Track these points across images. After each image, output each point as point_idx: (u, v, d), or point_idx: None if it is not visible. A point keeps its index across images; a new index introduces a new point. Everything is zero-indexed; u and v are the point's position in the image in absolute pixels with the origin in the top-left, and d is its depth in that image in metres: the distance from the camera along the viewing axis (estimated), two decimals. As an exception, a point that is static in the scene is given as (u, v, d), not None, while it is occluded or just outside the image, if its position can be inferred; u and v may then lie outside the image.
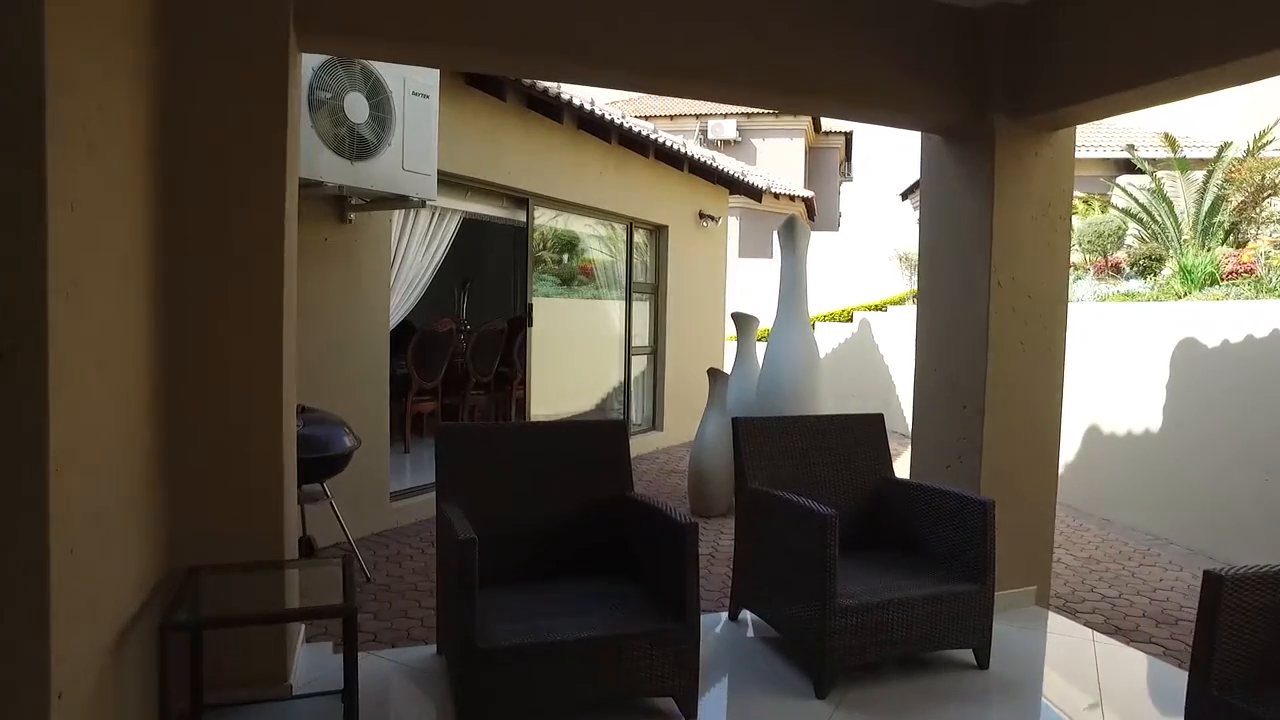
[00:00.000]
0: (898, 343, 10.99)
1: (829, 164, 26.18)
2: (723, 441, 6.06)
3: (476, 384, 8.09)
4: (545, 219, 7.43)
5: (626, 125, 7.36)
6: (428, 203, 4.86)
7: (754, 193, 10.35)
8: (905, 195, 23.12)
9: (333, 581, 2.61)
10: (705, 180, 9.51)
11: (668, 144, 8.13)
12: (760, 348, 7.22)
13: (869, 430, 3.98)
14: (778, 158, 22.88)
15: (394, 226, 5.68)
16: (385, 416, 5.41)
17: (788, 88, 3.63)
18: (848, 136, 26.70)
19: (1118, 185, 9.88)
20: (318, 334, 4.79)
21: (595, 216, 8.04)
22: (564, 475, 3.33)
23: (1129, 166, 16.34)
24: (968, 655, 3.34)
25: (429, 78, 4.68)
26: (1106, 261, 9.14)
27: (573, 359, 8.21)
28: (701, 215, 9.58)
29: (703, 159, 8.95)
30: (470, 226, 7.52)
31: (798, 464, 3.77)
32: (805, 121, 23.79)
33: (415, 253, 5.98)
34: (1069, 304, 4.07)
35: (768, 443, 3.75)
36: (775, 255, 16.69)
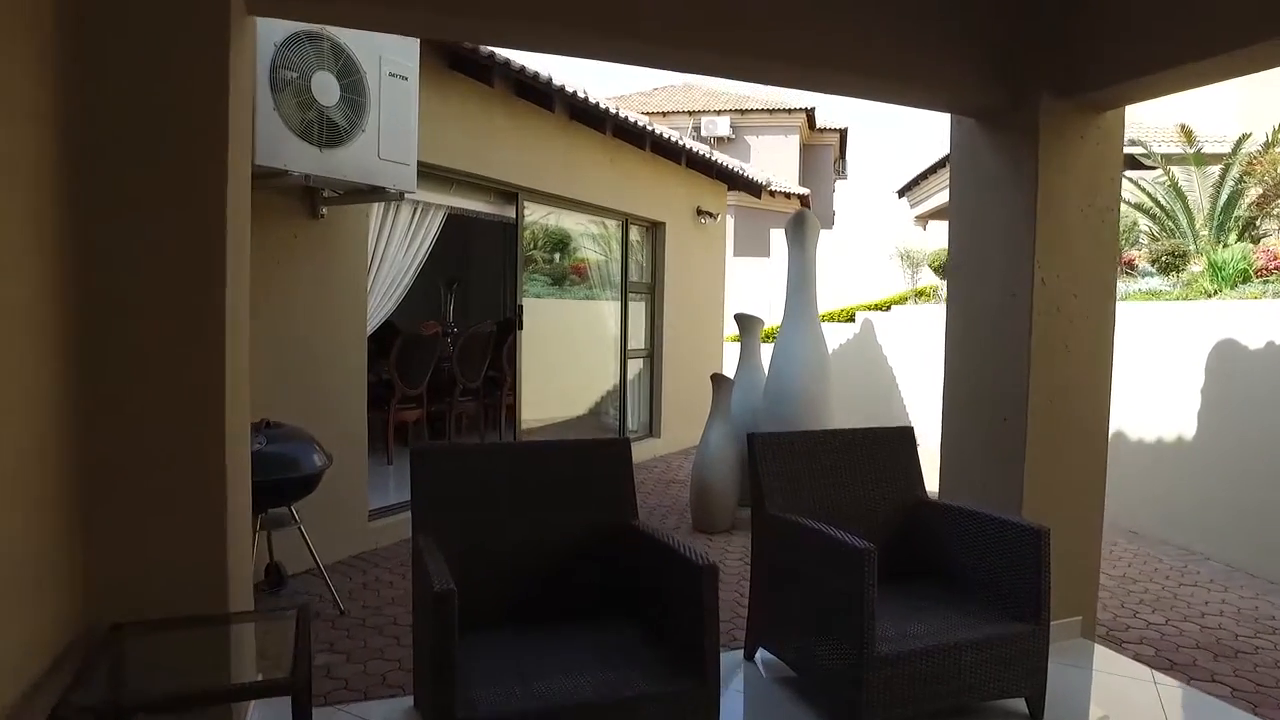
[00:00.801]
0: (901, 343, 10.61)
1: (824, 161, 25.82)
2: (728, 452, 5.66)
3: (464, 390, 7.67)
4: (536, 215, 7.01)
5: (622, 115, 6.95)
6: (407, 196, 4.43)
7: (754, 188, 9.95)
8: (902, 193, 22.78)
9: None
10: (703, 175, 9.10)
11: (665, 136, 7.72)
12: (765, 350, 6.82)
13: (898, 445, 3.58)
14: (772, 155, 22.51)
15: (372, 222, 5.25)
16: (363, 428, 4.99)
17: (803, 63, 3.22)
18: (842, 134, 26.35)
19: (1129, 179, 9.52)
20: (287, 340, 4.36)
21: (589, 213, 7.62)
22: (558, 503, 2.92)
23: (1131, 162, 16.03)
24: (1018, 704, 2.94)
25: (407, 58, 4.26)
26: (1120, 258, 8.77)
27: (565, 363, 7.79)
28: (699, 212, 9.18)
29: (702, 152, 8.54)
30: (457, 223, 7.10)
31: (821, 484, 3.37)
32: (800, 118, 23.43)
33: (396, 251, 5.55)
34: (1116, 303, 3.68)
35: (787, 461, 3.35)
36: (772, 254, 16.34)
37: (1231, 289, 5.99)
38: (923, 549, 3.35)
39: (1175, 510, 5.60)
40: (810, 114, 23.38)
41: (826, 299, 12.85)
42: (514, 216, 6.48)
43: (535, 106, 6.27)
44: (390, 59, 4.13)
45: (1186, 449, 5.58)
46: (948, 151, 3.91)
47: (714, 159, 8.85)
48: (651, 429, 8.73)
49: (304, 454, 3.77)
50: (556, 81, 6.12)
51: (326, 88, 3.79)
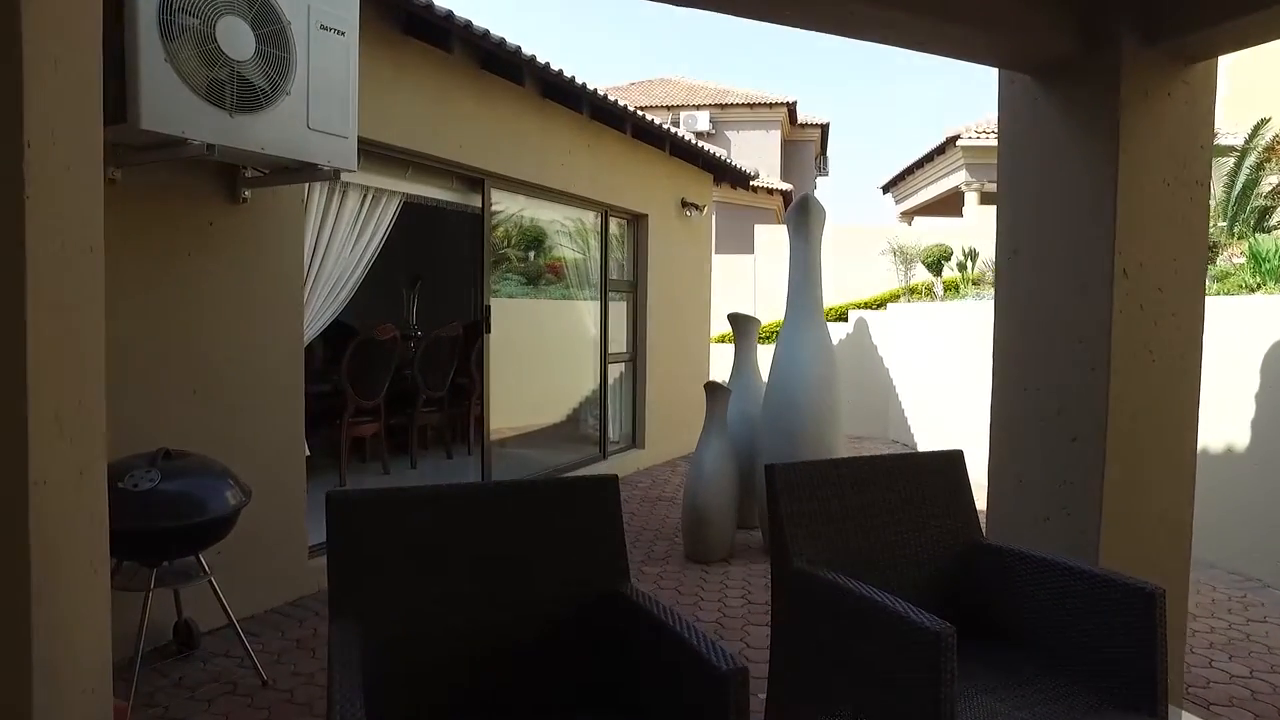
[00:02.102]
0: (897, 343, 10.00)
1: (805, 157, 25.28)
2: (725, 471, 4.99)
3: (428, 400, 6.94)
4: (505, 205, 6.29)
5: (601, 94, 6.25)
6: (344, 175, 3.70)
7: (741, 179, 9.30)
8: (887, 189, 22.32)
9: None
10: (689, 165, 8.43)
11: (648, 119, 7.03)
12: (762, 353, 6.16)
13: (946, 474, 2.92)
14: (753, 150, 21.89)
15: (313, 209, 4.52)
16: (300, 450, 4.25)
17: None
18: (823, 129, 25.83)
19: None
20: (200, 350, 3.62)
21: (564, 202, 6.91)
22: (525, 564, 2.22)
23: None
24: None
25: (343, 8, 3.54)
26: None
27: (539, 369, 7.08)
28: (684, 204, 8.51)
29: (687, 137, 7.87)
30: (419, 215, 6.36)
31: (857, 528, 2.70)
32: (781, 113, 22.86)
33: (341, 244, 4.82)
34: (1204, 298, 3.04)
35: (816, 498, 2.67)
36: (755, 250, 15.70)
37: (1276, 283, 5.42)
38: (982, 605, 2.69)
39: (1226, 530, 5.00)
40: (792, 108, 22.82)
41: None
42: (479, 206, 5.76)
43: (503, 81, 5.56)
44: (321, 8, 3.41)
45: (1237, 461, 4.98)
46: (996, 116, 3.26)
47: (700, 147, 8.18)
48: (635, 439, 8.04)
49: (212, 491, 3.04)
50: (526, 51, 5.41)
51: (237, 38, 3.06)
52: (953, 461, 2.95)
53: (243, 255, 3.80)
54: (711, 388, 5.04)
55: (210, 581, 3.11)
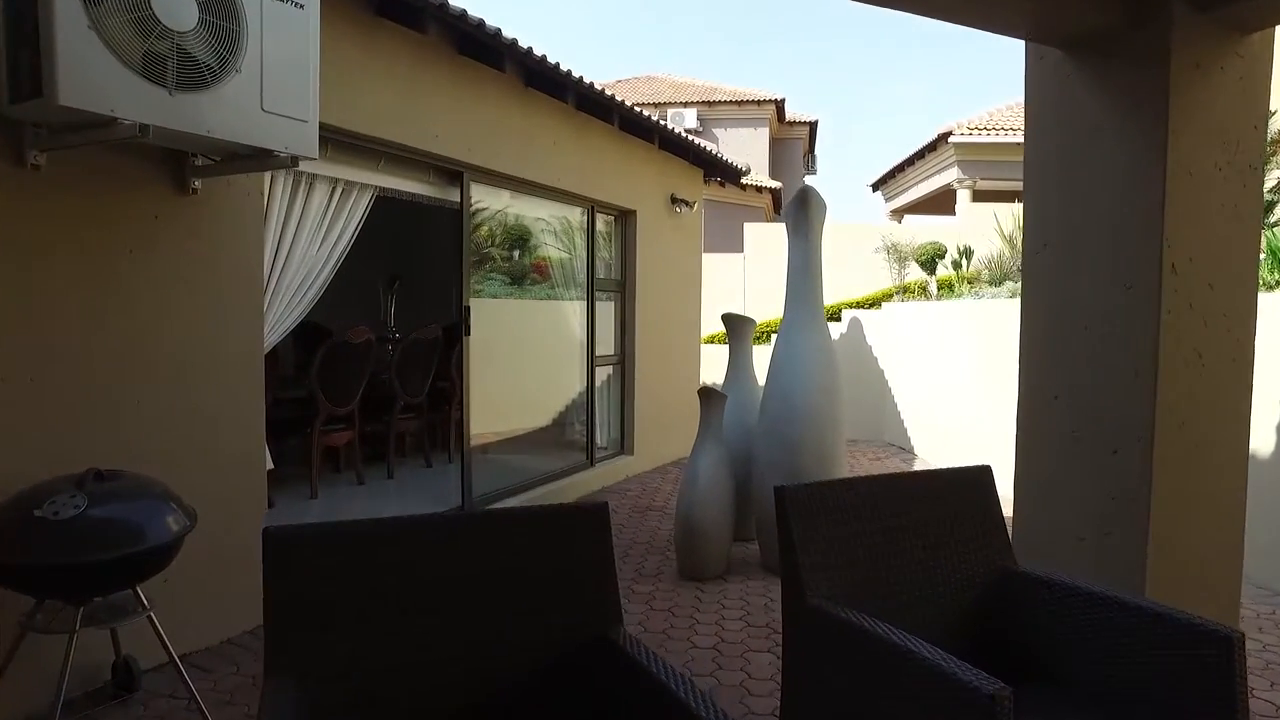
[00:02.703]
0: (893, 343, 9.73)
1: (793, 155, 25.03)
2: (720, 483, 4.68)
3: (406, 406, 6.60)
4: (486, 199, 5.96)
5: (587, 82, 5.92)
6: (306, 164, 3.36)
7: (732, 174, 9.00)
8: (876, 186, 22.09)
9: None
10: (678, 159, 8.12)
11: (636, 110, 6.71)
12: (758, 355, 5.86)
13: (973, 492, 2.62)
14: (741, 148, 21.59)
15: (276, 203, 4.18)
16: (260, 464, 3.90)
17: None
18: (812, 127, 25.60)
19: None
20: (141, 358, 3.27)
21: (548, 197, 6.58)
22: (500, 609, 1.90)
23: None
24: None
25: (302, -22, 3.20)
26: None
27: (523, 372, 6.74)
28: (674, 200, 8.19)
29: (677, 130, 7.55)
30: (399, 211, 6.02)
31: (878, 556, 2.39)
32: (769, 110, 22.60)
33: (308, 240, 4.47)
34: (1259, 296, 2.76)
35: (831, 524, 2.36)
36: (745, 249, 15.41)
37: (1297, 279, 5.16)
38: (1021, 642, 2.39)
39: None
40: (780, 105, 22.57)
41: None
42: (458, 200, 5.43)
43: (482, 66, 5.22)
44: (276, -23, 3.07)
45: (1262, 468, 4.72)
46: (1021, 94, 2.96)
47: (690, 140, 7.87)
48: (623, 445, 7.72)
49: (149, 516, 2.69)
50: (508, 35, 5.07)
51: (177, 6, 2.72)
52: (980, 478, 2.65)
53: (193, 252, 3.45)
54: (706, 394, 4.73)
55: (150, 618, 2.76)
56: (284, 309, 4.40)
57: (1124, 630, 2.14)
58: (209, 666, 3.36)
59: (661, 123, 7.17)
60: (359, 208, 4.81)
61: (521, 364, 6.66)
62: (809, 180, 26.69)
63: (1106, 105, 2.63)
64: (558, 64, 5.55)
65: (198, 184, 3.41)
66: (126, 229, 3.19)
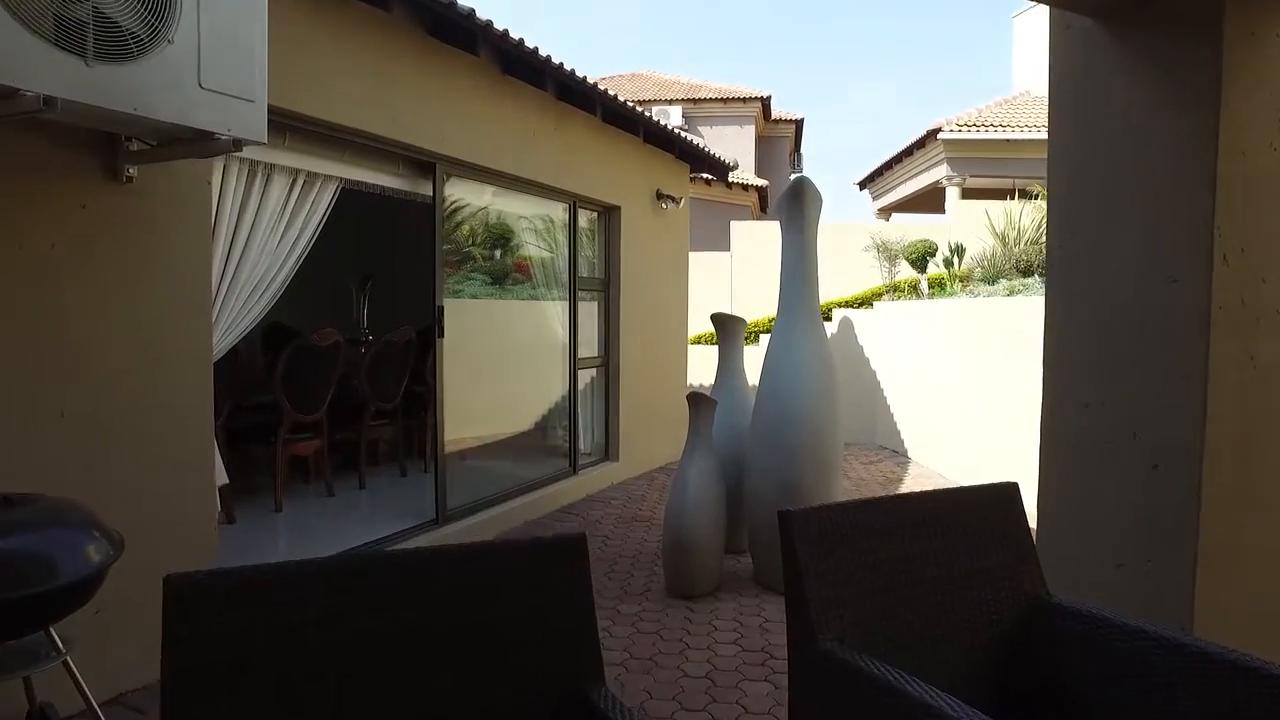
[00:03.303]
0: (885, 343, 9.48)
1: (779, 153, 24.81)
2: (711, 493, 4.38)
3: (379, 412, 6.26)
4: (460, 193, 5.63)
5: (567, 69, 5.61)
6: (260, 150, 3.02)
7: (719, 169, 8.71)
8: (863, 185, 21.88)
9: None
10: (664, 153, 7.82)
11: (621, 101, 6.41)
12: (750, 356, 5.57)
13: (999, 513, 2.32)
14: (727, 146, 21.30)
15: (230, 195, 3.85)
16: (209, 479, 3.56)
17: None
18: (798, 125, 25.38)
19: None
20: (65, 364, 2.93)
21: (527, 192, 6.26)
22: (456, 665, 1.58)
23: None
24: None
25: (246, -60, 2.88)
26: None
27: (502, 376, 6.42)
28: (660, 195, 7.89)
29: (662, 120, 7.25)
30: (371, 207, 5.70)
31: (898, 589, 2.09)
32: (755, 108, 22.36)
33: (266, 235, 4.14)
34: None
35: (843, 553, 2.06)
36: (731, 248, 15.14)
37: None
38: (1058, 684, 2.10)
39: None
40: (766, 102, 22.34)
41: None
42: (430, 194, 5.10)
43: (455, 51, 4.90)
44: (215, -63, 2.74)
45: None
46: (1046, 72, 2.68)
47: (676, 133, 7.57)
48: (608, 451, 7.40)
49: (66, 547, 2.35)
50: (481, 16, 4.75)
51: (95, -36, 2.39)
52: (1006, 497, 2.35)
53: (128, 246, 3.12)
54: (696, 399, 4.43)
55: (66, 662, 2.43)
56: (239, 309, 4.06)
57: (1172, 672, 1.86)
58: (144, 707, 3.03)
59: (646, 114, 6.86)
60: (322, 201, 4.48)
61: (500, 367, 6.34)
62: (795, 179, 26.47)
63: (1145, 78, 2.35)
64: (536, 49, 5.24)
65: (132, 171, 3.07)
66: (48, 220, 2.85)
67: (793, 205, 4.47)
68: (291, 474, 6.14)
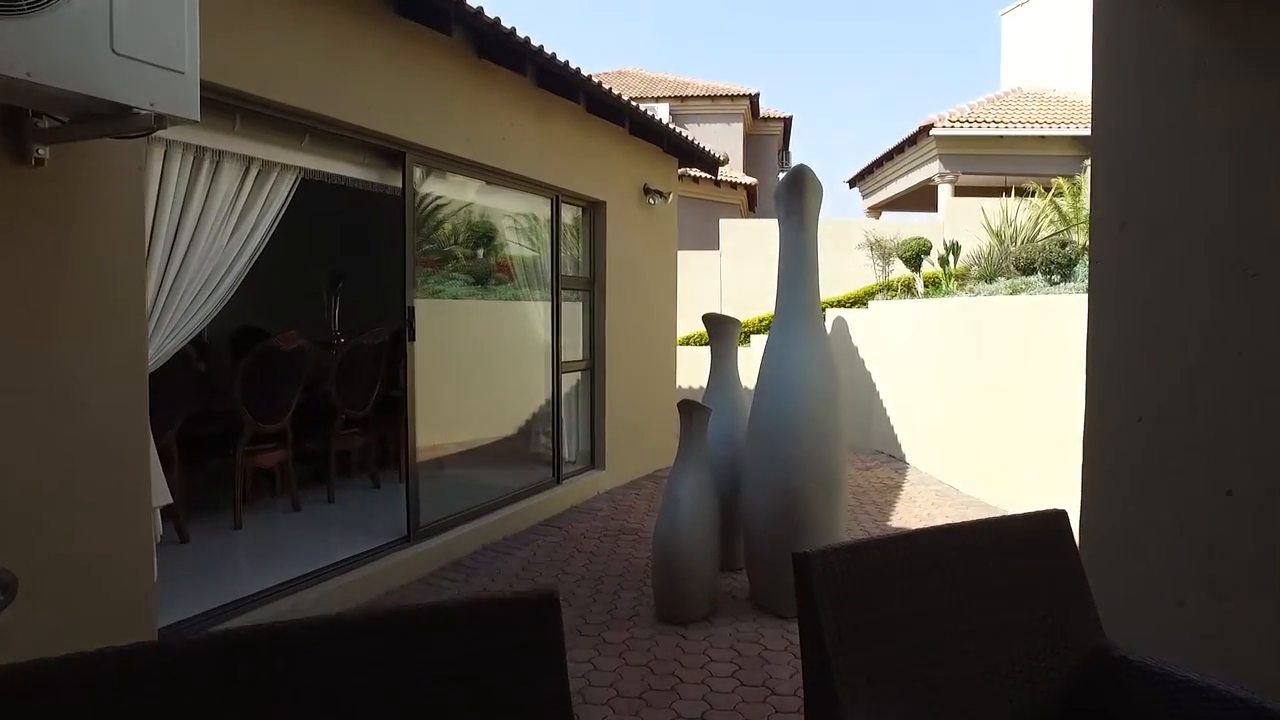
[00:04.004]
0: (880, 343, 9.16)
1: (768, 151, 24.50)
2: (705, 509, 4.03)
3: (350, 420, 5.88)
4: (433, 186, 5.26)
5: (548, 53, 5.25)
6: (169, 123, 2.62)
7: (709, 164, 8.37)
8: (853, 183, 21.61)
9: None
10: (652, 146, 7.47)
11: (606, 89, 6.05)
12: (741, 357, 5.23)
13: (1048, 547, 1.98)
14: (714, 144, 21.02)
15: (171, 184, 3.47)
16: (144, 503, 3.17)
17: None
18: (786, 123, 25.08)
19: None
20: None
21: (506, 185, 5.90)
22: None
23: (1101, 145, 15.00)
24: None
25: (171, -114, 2.50)
26: None
27: (480, 381, 6.05)
28: (647, 190, 7.54)
29: (649, 111, 6.90)
30: (343, 201, 5.32)
31: (933, 642, 1.75)
32: (743, 105, 22.04)
33: (215, 229, 3.76)
34: None
35: (872, 602, 1.72)
36: (721, 247, 14.81)
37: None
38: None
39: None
40: (754, 100, 22.02)
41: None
42: (400, 185, 4.73)
43: (427, 31, 4.53)
44: (132, -120, 2.36)
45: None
46: (1091, 34, 2.34)
47: (665, 125, 7.22)
48: (594, 459, 7.04)
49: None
50: (453, -7, 4.39)
51: (-24, -99, 2.01)
52: (1054, 528, 2.01)
53: (39, 240, 2.73)
54: (688, 408, 4.07)
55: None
56: (184, 312, 3.68)
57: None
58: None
59: (631, 96, 6.50)
60: (280, 192, 4.10)
61: (478, 372, 5.97)
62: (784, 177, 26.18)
63: (1218, 39, 2.02)
64: (513, 30, 4.87)
65: (43, 152, 2.68)
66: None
67: (791, 197, 4.13)
68: (257, 487, 5.76)
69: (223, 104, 3.58)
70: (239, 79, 3.52)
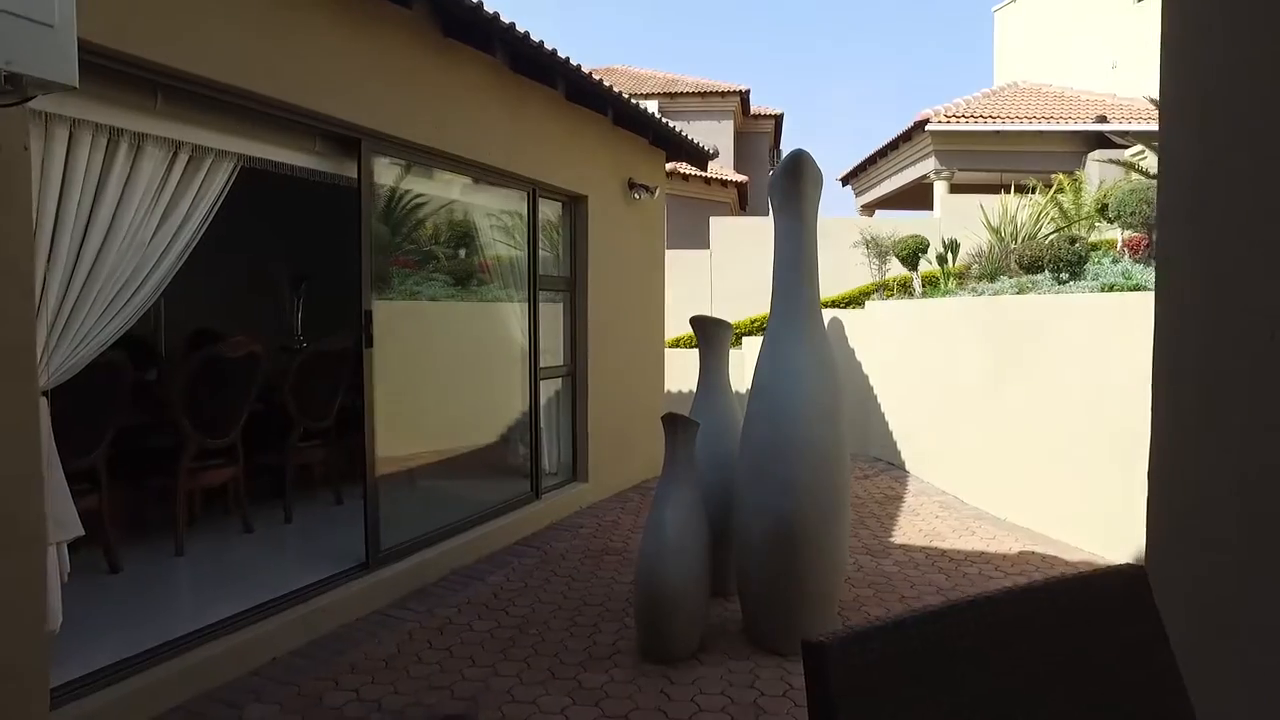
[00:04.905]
0: (878, 345, 8.76)
1: (759, 149, 24.12)
2: (692, 534, 3.61)
3: (309, 432, 5.43)
4: (394, 177, 4.81)
5: (521, 32, 4.81)
6: (34, 90, 2.17)
7: (698, 157, 7.95)
8: (846, 180, 21.26)
9: None
10: (637, 137, 7.04)
11: (587, 73, 5.62)
12: (735, 361, 4.80)
13: (1122, 615, 1.56)
14: (705, 142, 20.64)
15: (79, 171, 3.03)
16: (38, 539, 2.72)
17: None
18: (777, 120, 24.70)
19: (1154, 147, 7.86)
20: None
21: (478, 176, 5.47)
22: None
23: (1101, 140, 14.71)
24: None
25: None
26: (1151, 238, 7.09)
27: (449, 390, 5.60)
28: (632, 185, 7.11)
29: (635, 100, 6.47)
30: (307, 196, 4.88)
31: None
32: (734, 102, 21.65)
33: (136, 222, 3.31)
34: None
35: (910, 699, 1.29)
36: (711, 246, 14.39)
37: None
38: None
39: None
40: (744, 97, 21.63)
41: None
42: (355, 176, 4.28)
43: (386, 5, 4.09)
44: None
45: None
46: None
47: (650, 115, 6.79)
48: (575, 471, 6.61)
49: None
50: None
51: None
52: (1131, 589, 1.59)
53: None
54: (673, 422, 3.64)
55: None
56: (100, 314, 3.23)
57: None
58: None
59: (617, 90, 6.07)
60: (214, 182, 3.65)
61: (448, 379, 5.52)
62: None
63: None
64: (481, 4, 4.43)
65: (-108, 126, 2.24)
66: None
67: (789, 185, 3.70)
68: (209, 506, 5.30)
69: (138, 77, 3.14)
70: (155, 48, 3.08)
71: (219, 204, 3.66)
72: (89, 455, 3.83)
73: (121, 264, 3.27)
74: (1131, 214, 7.12)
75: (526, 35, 4.85)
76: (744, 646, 3.83)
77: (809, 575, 3.57)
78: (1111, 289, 5.76)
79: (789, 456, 3.54)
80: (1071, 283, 6.58)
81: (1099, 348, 5.23)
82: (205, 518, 5.23)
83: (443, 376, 5.45)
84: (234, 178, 3.71)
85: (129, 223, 3.27)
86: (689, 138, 7.57)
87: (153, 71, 3.14)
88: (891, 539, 5.71)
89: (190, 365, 4.49)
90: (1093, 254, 7.25)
